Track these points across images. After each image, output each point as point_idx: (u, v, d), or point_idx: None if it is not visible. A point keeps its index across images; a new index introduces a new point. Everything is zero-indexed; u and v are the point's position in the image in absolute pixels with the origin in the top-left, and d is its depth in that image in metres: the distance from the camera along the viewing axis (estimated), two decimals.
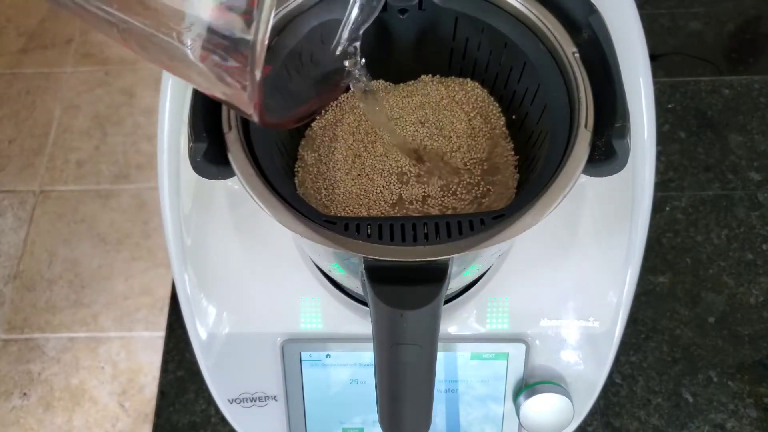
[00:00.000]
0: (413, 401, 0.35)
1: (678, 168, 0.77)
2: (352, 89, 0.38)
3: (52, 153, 1.32)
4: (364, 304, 0.46)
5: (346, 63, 0.34)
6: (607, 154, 0.33)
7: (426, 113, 0.43)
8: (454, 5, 0.39)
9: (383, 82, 0.45)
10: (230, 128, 0.34)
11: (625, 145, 0.32)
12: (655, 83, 0.43)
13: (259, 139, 0.35)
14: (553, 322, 0.46)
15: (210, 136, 0.33)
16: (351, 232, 0.32)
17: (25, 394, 1.12)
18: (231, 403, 0.48)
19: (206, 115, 0.34)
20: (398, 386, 0.34)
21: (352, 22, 0.33)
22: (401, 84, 0.44)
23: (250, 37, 0.22)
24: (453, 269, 0.33)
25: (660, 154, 0.78)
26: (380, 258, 0.31)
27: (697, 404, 0.65)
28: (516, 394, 0.47)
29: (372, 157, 0.41)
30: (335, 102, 0.43)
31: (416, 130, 0.42)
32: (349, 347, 0.46)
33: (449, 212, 0.39)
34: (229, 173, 0.34)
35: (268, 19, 0.21)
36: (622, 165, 0.33)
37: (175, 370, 0.66)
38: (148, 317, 1.14)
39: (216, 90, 0.25)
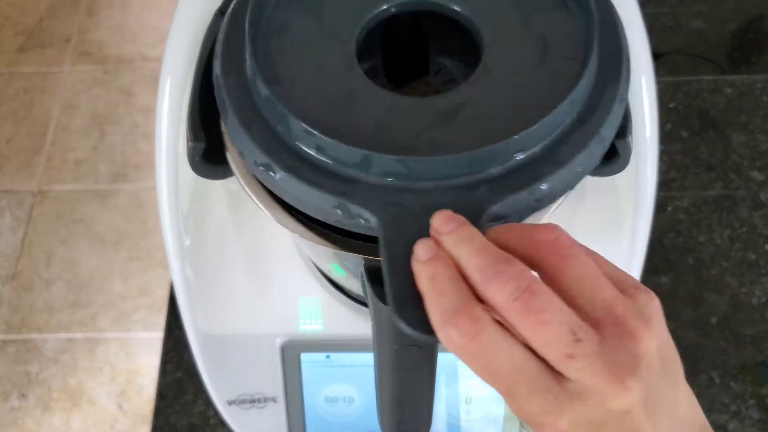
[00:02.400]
0: (414, 402, 0.35)
1: (680, 168, 0.77)
2: None
3: (50, 152, 1.32)
4: (364, 304, 0.45)
5: None
6: (608, 154, 0.33)
7: None
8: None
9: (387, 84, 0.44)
10: None
11: (626, 145, 0.32)
12: (658, 82, 0.43)
13: None
14: None
15: (208, 136, 0.33)
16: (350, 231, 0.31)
17: (23, 395, 1.12)
18: (230, 404, 0.48)
19: (205, 114, 0.33)
20: (399, 387, 0.34)
21: None
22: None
23: None
24: None
25: (662, 154, 0.78)
26: (380, 258, 0.31)
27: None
28: None
29: None
30: None
31: None
32: (349, 348, 0.46)
33: None
34: (227, 173, 0.34)
35: None
36: (624, 164, 0.33)
37: (174, 371, 0.66)
38: (146, 318, 1.14)
39: None
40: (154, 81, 1.39)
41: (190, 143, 0.32)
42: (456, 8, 0.33)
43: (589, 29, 0.32)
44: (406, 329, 0.25)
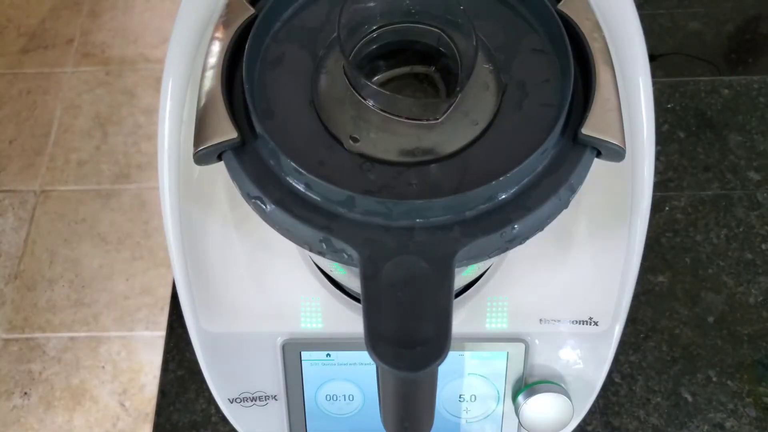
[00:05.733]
0: (417, 405, 0.35)
1: (677, 168, 0.77)
2: None
3: (52, 153, 1.32)
4: None
5: None
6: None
7: None
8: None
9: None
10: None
11: (586, 139, 0.32)
12: (655, 83, 0.43)
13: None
14: (552, 321, 0.46)
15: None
16: None
17: (25, 393, 1.12)
18: (231, 402, 0.48)
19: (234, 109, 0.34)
20: (401, 387, 0.34)
21: None
22: None
23: None
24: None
25: (659, 154, 0.78)
26: None
27: (696, 403, 0.65)
28: (515, 394, 0.47)
29: None
30: None
31: None
32: (350, 347, 0.47)
33: None
34: None
35: None
36: (618, 155, 0.33)
37: (176, 370, 0.66)
38: (148, 317, 1.14)
39: None
40: (156, 82, 1.39)
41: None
42: (441, 49, 0.35)
43: (565, 80, 0.32)
44: (383, 366, 0.27)
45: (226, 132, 0.32)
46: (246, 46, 0.33)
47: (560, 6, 0.35)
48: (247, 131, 0.33)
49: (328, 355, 0.47)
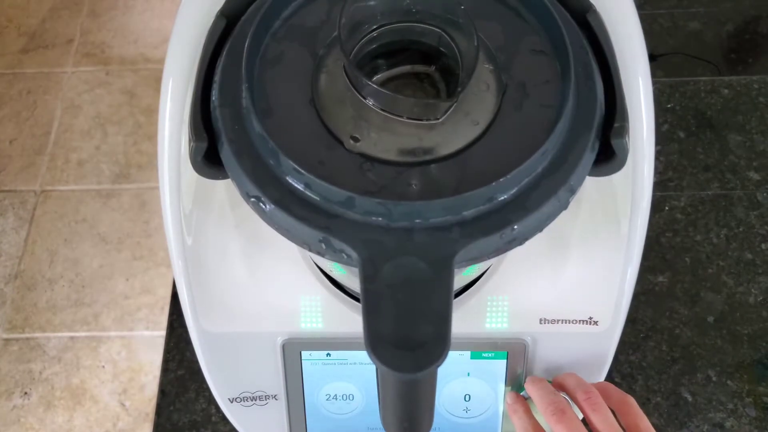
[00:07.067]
0: (417, 405, 0.36)
1: (677, 168, 0.77)
2: None
3: (53, 153, 1.32)
4: None
5: None
6: (606, 154, 0.33)
7: None
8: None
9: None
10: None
11: (623, 145, 0.32)
12: (655, 83, 0.43)
13: None
14: (552, 321, 0.46)
15: (210, 136, 0.33)
16: None
17: (26, 393, 1.12)
18: (231, 402, 0.48)
19: (207, 114, 0.34)
20: (401, 388, 0.34)
21: None
22: None
23: None
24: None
25: (659, 154, 0.78)
26: None
27: (696, 403, 0.65)
28: None
29: None
30: None
31: None
32: (350, 346, 0.47)
33: None
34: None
35: None
36: (621, 165, 0.33)
37: (176, 369, 0.66)
38: (148, 316, 1.15)
39: None
40: (156, 82, 1.39)
41: (192, 144, 0.32)
42: (442, 49, 0.35)
43: (565, 81, 0.33)
44: (383, 368, 0.27)
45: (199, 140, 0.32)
46: (245, 45, 0.33)
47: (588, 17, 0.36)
48: (229, 132, 0.33)
49: (328, 354, 0.47)
